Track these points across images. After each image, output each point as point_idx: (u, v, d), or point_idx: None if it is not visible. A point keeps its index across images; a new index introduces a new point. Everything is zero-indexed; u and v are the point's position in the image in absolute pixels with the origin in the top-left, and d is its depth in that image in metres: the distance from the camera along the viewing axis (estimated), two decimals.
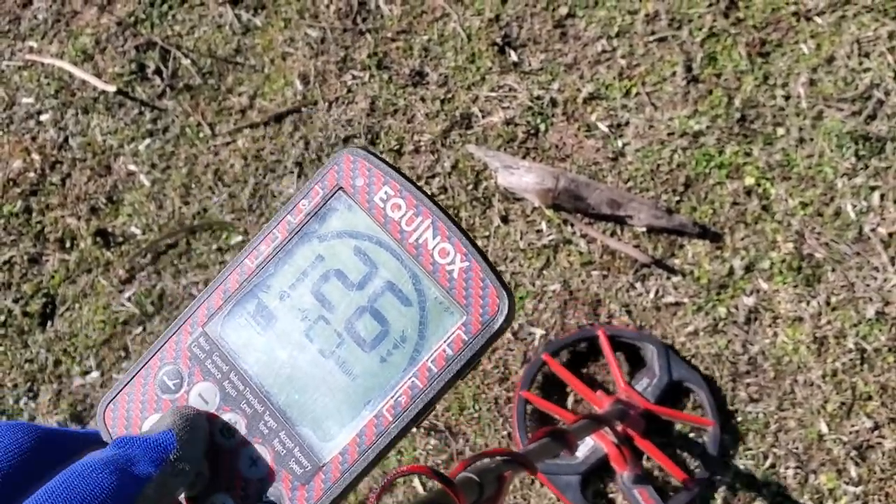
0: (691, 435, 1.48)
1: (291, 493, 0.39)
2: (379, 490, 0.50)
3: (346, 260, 0.42)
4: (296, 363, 0.41)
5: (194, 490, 0.40)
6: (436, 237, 0.41)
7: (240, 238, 1.75)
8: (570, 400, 1.55)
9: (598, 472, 1.47)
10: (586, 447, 1.44)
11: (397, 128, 1.80)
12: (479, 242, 1.65)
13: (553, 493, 1.44)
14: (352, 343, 0.41)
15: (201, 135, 1.84)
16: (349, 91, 1.86)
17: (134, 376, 0.43)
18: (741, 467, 1.43)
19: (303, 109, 1.85)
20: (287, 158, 1.79)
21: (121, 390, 0.43)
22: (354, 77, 1.87)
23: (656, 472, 1.48)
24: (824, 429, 1.45)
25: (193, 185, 1.80)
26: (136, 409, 0.42)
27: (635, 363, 1.55)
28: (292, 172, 1.78)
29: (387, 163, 0.43)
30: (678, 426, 1.49)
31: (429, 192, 0.43)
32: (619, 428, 1.38)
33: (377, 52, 1.89)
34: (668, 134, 1.71)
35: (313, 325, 0.42)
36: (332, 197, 0.43)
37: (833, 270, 1.56)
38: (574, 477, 1.42)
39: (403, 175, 0.43)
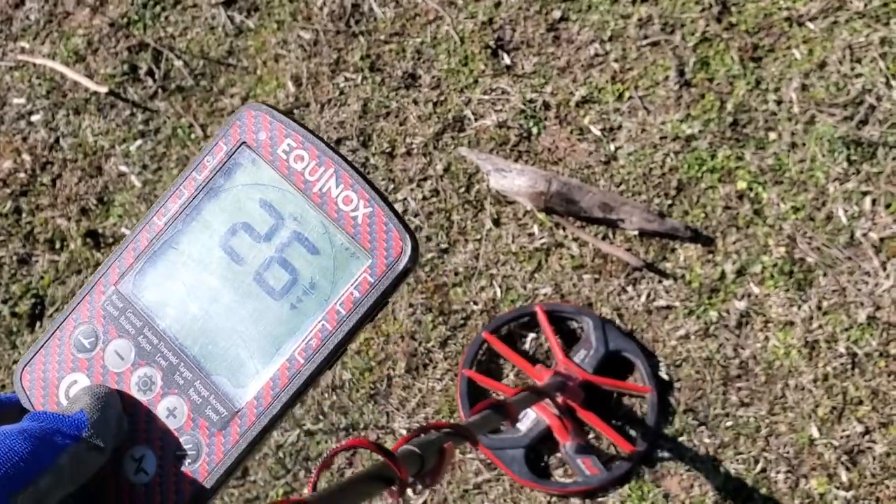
0: (630, 404, 1.48)
1: (209, 439, 0.40)
2: (320, 465, 0.50)
3: (252, 213, 0.43)
4: (208, 315, 0.42)
5: (115, 443, 0.40)
6: (339, 186, 0.42)
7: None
8: (512, 376, 1.55)
9: (542, 443, 1.48)
10: (529, 420, 1.46)
11: (389, 130, 1.79)
12: (471, 245, 1.65)
13: (499, 467, 1.44)
14: (262, 293, 0.42)
15: (193, 136, 1.84)
16: (341, 93, 1.85)
17: (49, 338, 0.43)
18: (732, 471, 1.43)
19: (295, 111, 1.84)
20: None
21: (37, 353, 0.43)
22: (347, 79, 1.87)
23: (599, 442, 1.47)
24: (815, 433, 1.45)
25: None
26: (53, 370, 0.42)
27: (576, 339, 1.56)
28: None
29: (289, 116, 0.44)
30: (617, 396, 1.51)
31: (332, 145, 0.43)
32: (560, 399, 1.40)
33: (370, 54, 1.89)
34: (661, 138, 1.71)
35: (224, 277, 0.43)
36: (235, 152, 0.44)
37: (825, 275, 1.56)
38: (518, 450, 1.44)
39: (305, 127, 0.44)
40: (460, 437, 0.88)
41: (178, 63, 1.91)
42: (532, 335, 1.59)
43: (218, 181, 0.44)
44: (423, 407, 1.53)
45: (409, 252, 0.41)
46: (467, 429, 0.88)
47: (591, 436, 1.50)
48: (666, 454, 1.46)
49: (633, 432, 1.48)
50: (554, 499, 1.45)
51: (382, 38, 1.91)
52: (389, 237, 0.41)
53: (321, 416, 1.54)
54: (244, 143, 0.44)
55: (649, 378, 1.48)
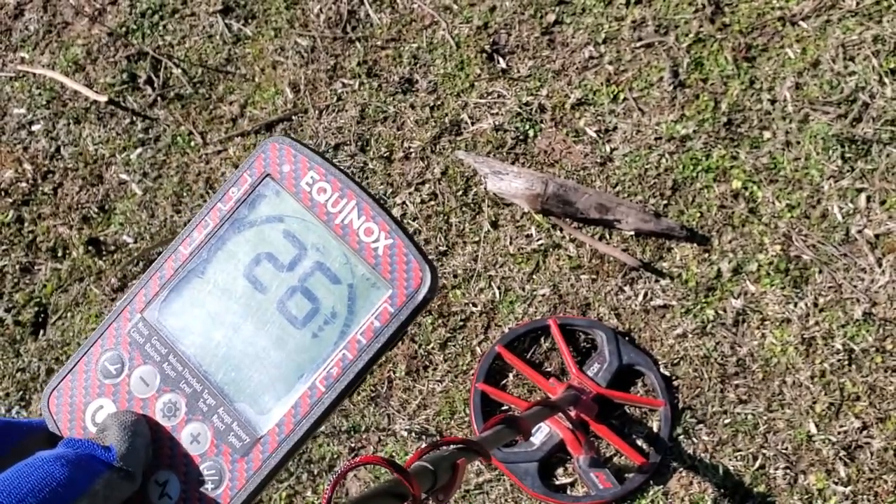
0: (643, 417, 1.49)
1: (232, 465, 0.41)
2: (333, 482, 0.51)
3: (276, 243, 0.44)
4: (231, 343, 0.43)
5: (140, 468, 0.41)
6: (361, 217, 0.43)
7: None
8: (521, 386, 1.56)
9: (556, 457, 1.49)
10: (542, 434, 1.47)
11: (387, 135, 1.81)
12: (469, 248, 1.66)
13: (512, 480, 1.45)
14: (284, 321, 0.43)
15: (192, 143, 1.86)
16: (339, 99, 1.87)
17: (76, 364, 0.44)
18: (730, 468, 1.44)
19: (293, 118, 1.86)
20: None
21: (63, 378, 0.44)
22: (344, 85, 1.88)
23: (612, 455, 1.49)
24: (813, 429, 1.46)
25: (185, 194, 1.81)
26: (80, 395, 0.44)
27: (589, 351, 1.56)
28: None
29: (312, 149, 0.45)
30: (630, 409, 1.51)
31: (364, 185, 0.45)
32: (573, 413, 1.41)
33: (367, 60, 1.90)
34: (656, 138, 1.73)
35: (247, 305, 0.44)
36: (260, 184, 0.45)
37: (820, 272, 1.57)
38: (532, 464, 1.44)
39: (328, 160, 0.45)
40: (473, 453, 0.89)
41: (177, 71, 1.93)
42: (546, 345, 1.60)
43: (242, 212, 0.45)
44: (423, 409, 1.54)
45: (428, 282, 0.42)
46: (480, 444, 0.89)
47: (604, 448, 1.51)
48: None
49: (645, 445, 1.48)
50: None
51: (379, 43, 1.92)
52: (409, 268, 0.42)
53: None
54: (268, 174, 0.45)
55: (662, 391, 1.49)
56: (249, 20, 1.98)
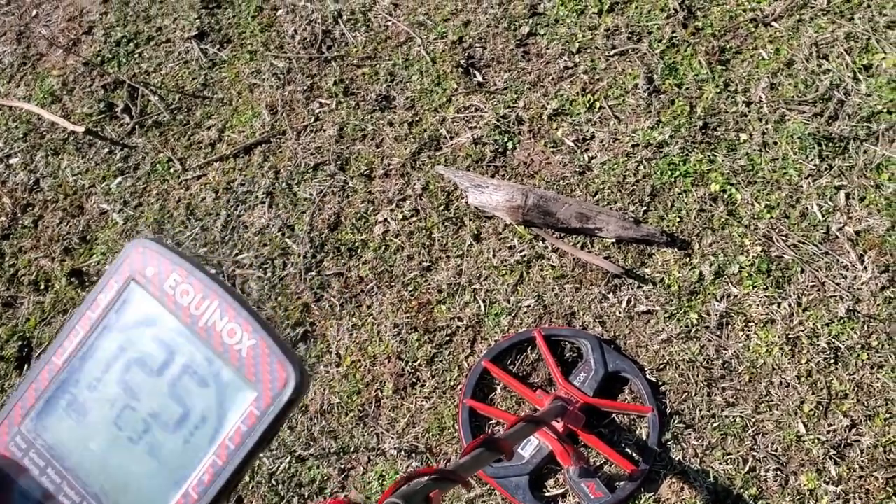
0: (631, 424, 1.49)
1: None
2: None
3: (145, 348, 0.45)
4: (107, 452, 0.44)
5: None
6: (223, 318, 0.43)
7: (212, 271, 1.75)
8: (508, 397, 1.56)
9: (546, 469, 1.48)
10: (532, 447, 1.46)
11: (366, 153, 1.81)
12: (453, 262, 1.66)
13: (504, 496, 1.45)
14: (157, 428, 0.44)
15: (172, 170, 1.85)
16: (317, 119, 1.87)
17: None
18: (721, 472, 1.43)
19: (272, 140, 1.86)
20: (258, 189, 1.80)
21: None
22: (322, 105, 1.89)
23: (602, 464, 1.48)
24: (802, 429, 1.46)
25: (166, 220, 1.81)
26: None
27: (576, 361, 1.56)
28: (263, 202, 1.79)
29: (174, 250, 0.46)
30: (618, 417, 1.51)
31: (221, 280, 0.45)
32: (561, 425, 1.40)
33: (343, 78, 1.91)
34: (633, 145, 1.73)
35: (121, 413, 0.44)
36: (126, 289, 0.46)
37: (802, 271, 1.57)
38: (522, 478, 1.44)
39: (190, 260, 0.45)
40: (448, 483, 0.88)
41: (154, 98, 1.93)
42: (532, 356, 1.60)
43: (111, 318, 0.45)
44: (412, 426, 1.54)
45: (293, 382, 0.42)
46: (454, 473, 0.88)
47: (593, 458, 1.51)
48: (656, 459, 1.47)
49: (634, 453, 1.48)
50: None
51: (355, 62, 1.93)
52: (273, 368, 0.42)
53: (311, 442, 1.55)
54: (133, 279, 0.45)
55: (649, 397, 1.49)
56: (225, 44, 1.98)
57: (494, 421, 1.54)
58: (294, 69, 1.94)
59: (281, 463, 1.53)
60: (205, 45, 1.98)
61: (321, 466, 1.52)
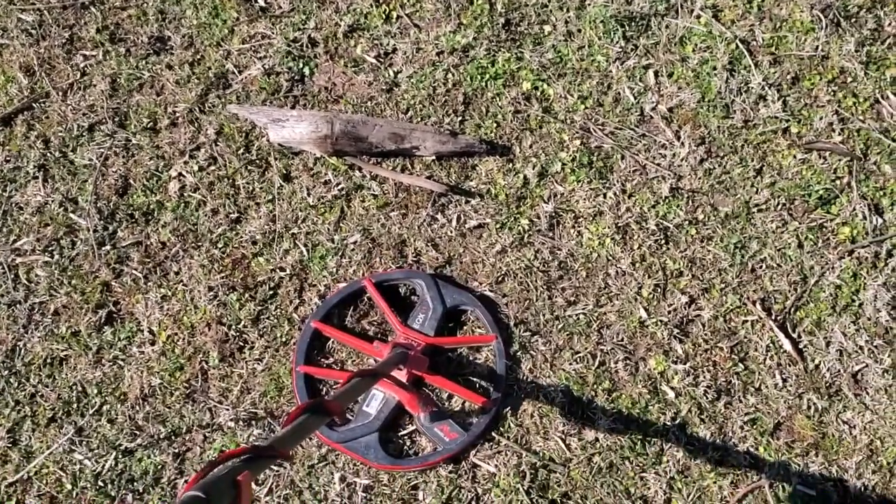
0: (478, 357, 1.43)
1: None
2: None
3: None
4: None
5: None
6: None
7: None
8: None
9: (396, 421, 1.39)
10: (377, 401, 1.37)
11: (147, 103, 1.60)
12: (264, 209, 1.51)
13: (355, 459, 1.35)
14: None
15: None
16: (83, 74, 1.63)
17: None
18: (572, 372, 1.40)
19: (34, 105, 1.61)
20: (27, 163, 1.56)
21: None
22: (86, 57, 1.65)
23: (455, 403, 1.42)
24: (644, 314, 1.44)
25: None
26: None
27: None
28: (36, 178, 1.55)
29: None
30: (464, 352, 1.44)
31: None
32: (405, 372, 1.32)
33: (107, 24, 1.67)
34: (438, 54, 1.62)
35: None
36: None
37: (623, 158, 1.54)
38: (372, 436, 1.34)
39: None
40: (263, 461, 0.76)
41: None
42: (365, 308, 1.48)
43: None
44: (247, 392, 1.40)
45: None
46: (270, 448, 0.76)
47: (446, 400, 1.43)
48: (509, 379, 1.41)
49: (485, 384, 1.41)
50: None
51: (118, 4, 1.69)
52: None
53: (137, 431, 1.38)
54: None
55: (492, 325, 1.41)
56: None
57: (334, 382, 1.43)
58: (47, 21, 1.68)
59: (105, 461, 1.36)
60: None
61: (152, 455, 1.36)
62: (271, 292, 1.47)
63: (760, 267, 1.46)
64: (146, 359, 1.42)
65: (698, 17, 1.64)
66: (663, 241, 1.48)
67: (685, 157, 1.54)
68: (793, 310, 1.43)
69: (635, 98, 1.58)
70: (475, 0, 1.66)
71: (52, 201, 1.53)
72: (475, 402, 1.37)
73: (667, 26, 1.64)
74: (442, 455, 1.33)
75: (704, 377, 1.39)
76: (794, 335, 1.42)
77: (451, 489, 1.34)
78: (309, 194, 1.53)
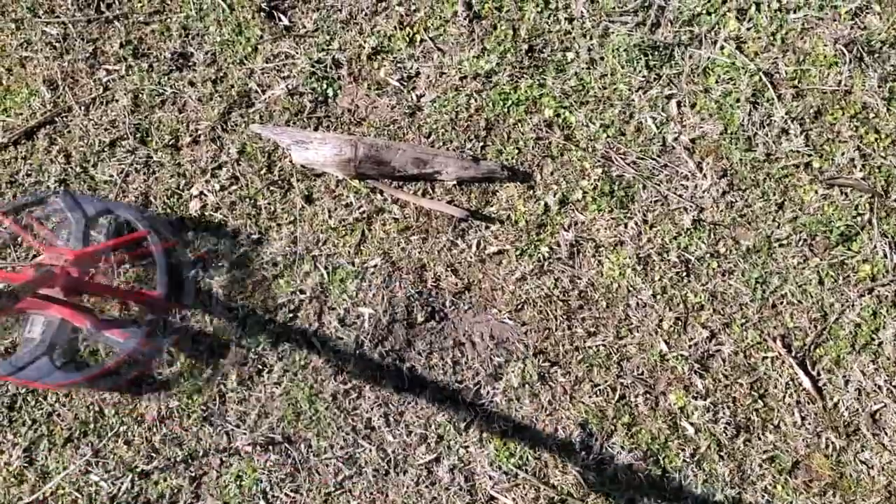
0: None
1: None
2: None
3: None
4: None
5: None
6: None
7: None
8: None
9: (67, 339, 1.38)
10: (39, 324, 1.35)
11: (169, 120, 1.60)
12: (285, 230, 1.51)
13: (35, 387, 1.33)
14: None
15: None
16: (106, 89, 1.63)
17: None
18: (592, 406, 1.40)
19: (56, 119, 1.61)
20: (48, 178, 1.56)
21: None
22: (109, 72, 1.64)
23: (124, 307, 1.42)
24: (664, 348, 1.44)
25: None
26: None
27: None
28: (58, 192, 1.55)
29: None
30: (123, 255, 1.46)
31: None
32: (57, 288, 1.28)
33: (131, 39, 1.67)
34: (461, 78, 1.62)
35: None
36: None
37: (644, 187, 1.54)
38: (42, 359, 1.32)
39: None
40: None
41: None
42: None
43: None
44: (265, 417, 1.40)
45: None
46: None
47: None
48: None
49: (152, 278, 1.42)
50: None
51: (141, 19, 1.69)
52: None
53: (153, 454, 1.38)
54: None
55: (141, 222, 1.42)
56: None
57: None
58: (71, 35, 1.68)
59: (122, 483, 1.36)
60: None
61: (169, 478, 1.36)
62: (292, 315, 1.47)
63: (781, 303, 1.46)
64: (165, 380, 1.42)
65: (722, 48, 1.64)
66: (685, 274, 1.48)
67: (707, 189, 1.53)
68: (812, 347, 1.43)
69: (658, 128, 1.58)
70: (499, 25, 1.65)
71: None
72: (148, 298, 1.38)
73: (690, 56, 1.64)
74: (121, 357, 1.33)
75: (724, 413, 1.39)
76: (814, 373, 1.42)
77: None
78: (330, 216, 1.53)
